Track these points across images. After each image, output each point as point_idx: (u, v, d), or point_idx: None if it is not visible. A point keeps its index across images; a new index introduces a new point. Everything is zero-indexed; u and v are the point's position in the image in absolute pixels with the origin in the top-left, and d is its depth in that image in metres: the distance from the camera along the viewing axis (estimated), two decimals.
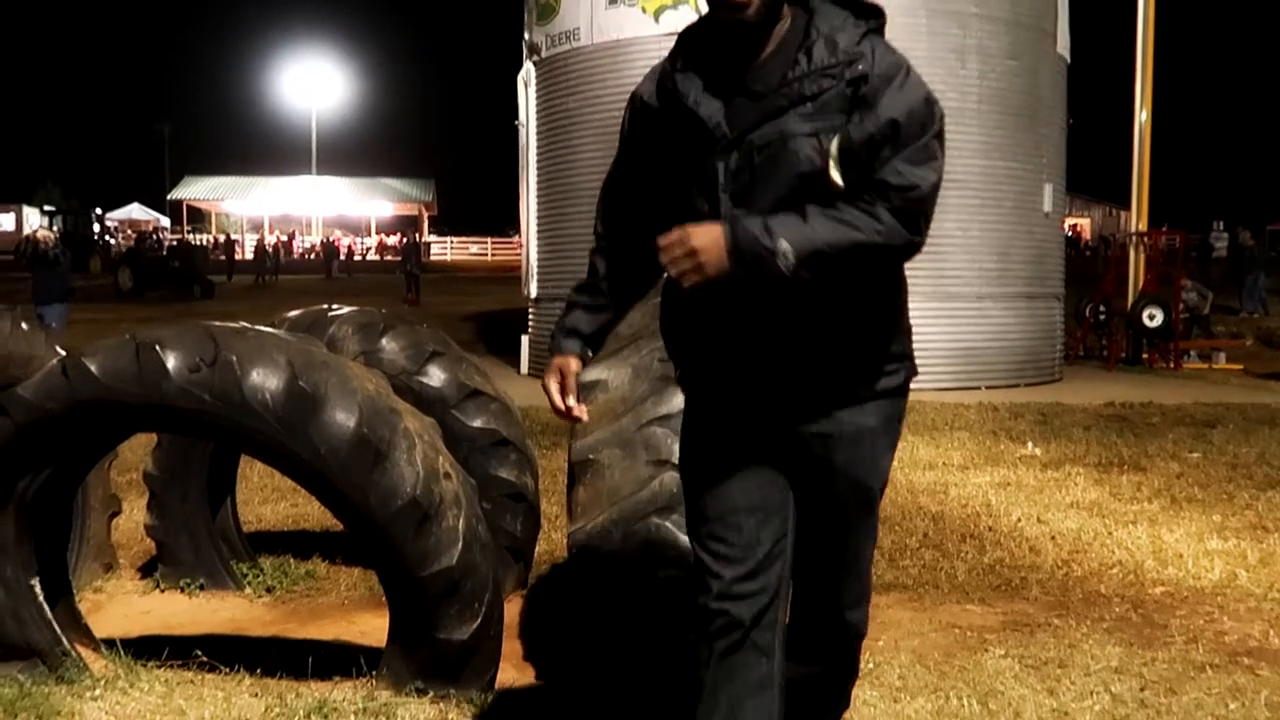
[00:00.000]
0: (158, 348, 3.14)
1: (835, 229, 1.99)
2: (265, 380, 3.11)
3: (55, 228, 13.74)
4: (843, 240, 1.99)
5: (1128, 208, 19.27)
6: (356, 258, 50.16)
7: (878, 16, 2.11)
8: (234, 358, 3.13)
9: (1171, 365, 15.93)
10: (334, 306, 4.82)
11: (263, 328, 3.51)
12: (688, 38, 2.20)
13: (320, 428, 3.08)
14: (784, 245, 1.96)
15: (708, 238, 2.00)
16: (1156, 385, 13.45)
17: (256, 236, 51.81)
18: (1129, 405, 11.23)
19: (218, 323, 3.41)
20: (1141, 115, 18.10)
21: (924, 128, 2.05)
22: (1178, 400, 11.54)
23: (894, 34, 2.18)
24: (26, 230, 52.94)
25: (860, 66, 2.01)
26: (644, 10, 12.57)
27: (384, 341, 4.59)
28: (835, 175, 2.01)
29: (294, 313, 4.89)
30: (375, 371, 3.60)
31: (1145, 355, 16.35)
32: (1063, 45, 14.20)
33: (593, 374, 3.44)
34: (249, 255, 42.65)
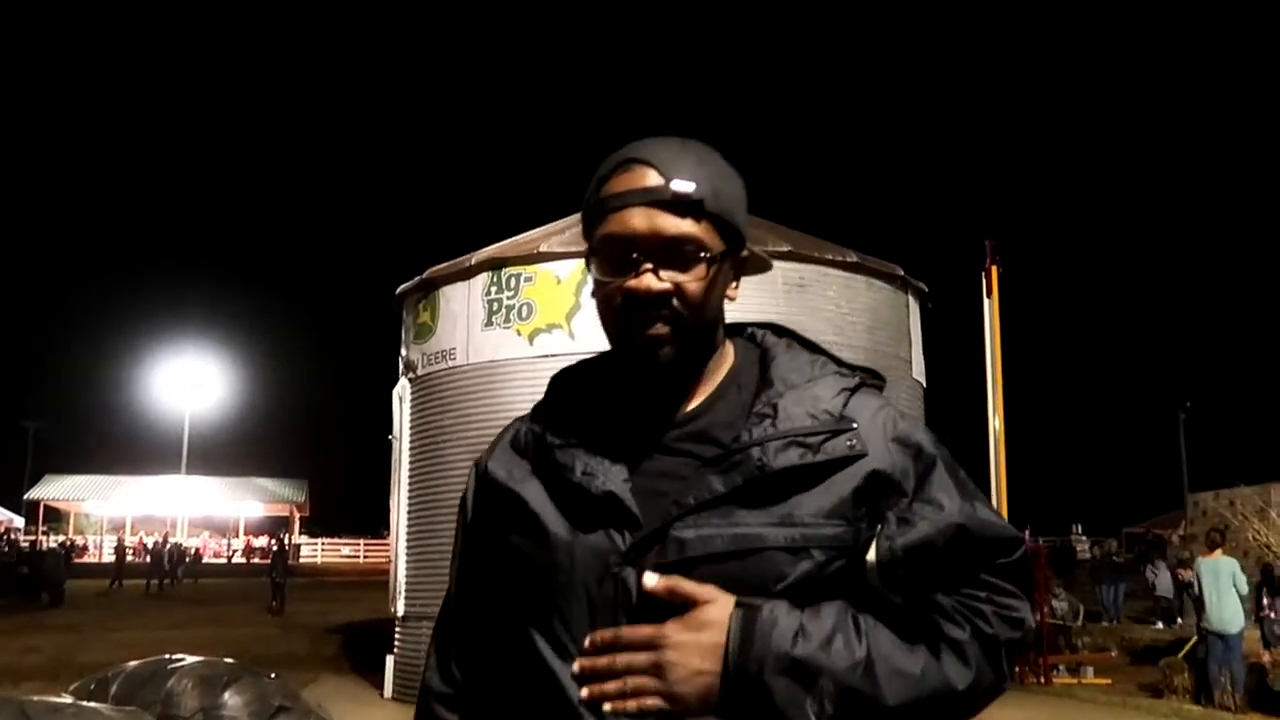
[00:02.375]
0: None
1: (905, 667, 1.34)
2: None
3: None
4: (912, 690, 1.33)
5: None
6: (218, 559, 48.38)
7: (874, 376, 1.53)
8: None
9: (1041, 680, 16.01)
10: (175, 657, 4.59)
11: (84, 704, 3.30)
12: (566, 383, 1.58)
13: None
14: (828, 684, 1.30)
15: (704, 640, 1.31)
16: (1027, 704, 13.44)
17: (115, 537, 49.84)
18: None
19: (36, 698, 3.20)
20: (995, 423, 18.97)
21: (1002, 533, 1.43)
22: None
23: None
24: None
25: (855, 440, 1.39)
26: (519, 333, 12.94)
27: (226, 696, 4.35)
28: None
29: (132, 664, 4.64)
30: None
31: (1014, 669, 16.37)
32: (918, 371, 14.99)
33: None
34: (107, 558, 40.83)
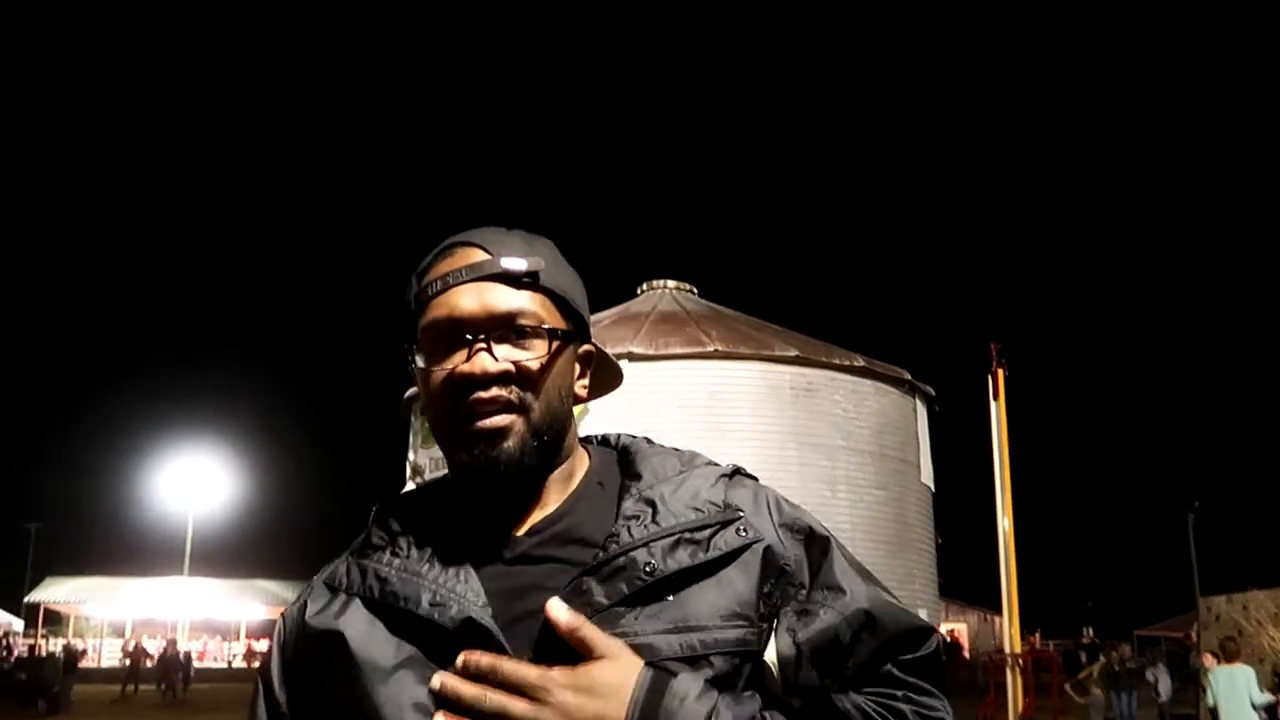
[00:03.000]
0: None
1: None
2: None
3: None
4: None
5: (1000, 613, 19.67)
6: (216, 664, 47.69)
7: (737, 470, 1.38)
8: None
9: None
10: None
11: None
12: (393, 512, 1.33)
13: None
14: None
15: (598, 709, 1.11)
16: None
17: (121, 641, 49.26)
18: None
19: None
20: (1004, 524, 18.85)
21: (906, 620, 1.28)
22: None
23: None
24: None
25: (745, 528, 1.25)
26: None
27: None
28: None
29: None
30: None
31: None
32: (926, 475, 14.97)
33: None
34: (106, 662, 40.27)
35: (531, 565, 1.23)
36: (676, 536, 1.22)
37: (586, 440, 1.42)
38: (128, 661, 38.08)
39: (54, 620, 59.24)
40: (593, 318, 1.38)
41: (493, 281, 1.25)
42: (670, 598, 1.19)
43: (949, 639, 43.57)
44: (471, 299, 1.24)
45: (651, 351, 13.10)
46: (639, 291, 16.19)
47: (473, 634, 1.16)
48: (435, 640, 1.17)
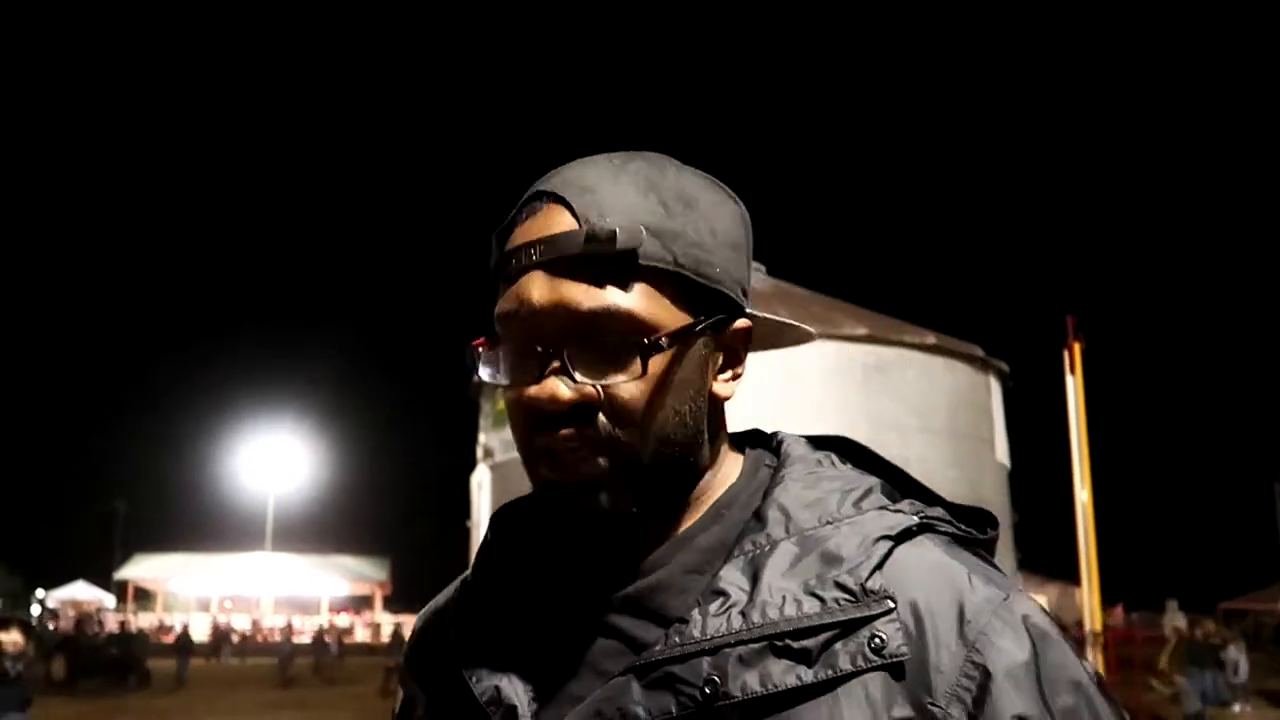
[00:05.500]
0: None
1: None
2: None
3: (15, 635, 13.31)
4: None
5: (1080, 585, 19.41)
6: (302, 639, 48.70)
7: (973, 516, 0.97)
8: None
9: None
10: None
11: None
12: (508, 524, 1.09)
13: None
14: None
15: None
16: None
17: (207, 616, 50.56)
18: None
19: None
20: (1082, 496, 18.54)
21: None
22: None
23: None
24: None
25: (885, 633, 0.84)
26: None
27: None
28: None
29: None
30: None
31: None
32: (1001, 453, 14.74)
33: None
34: (202, 637, 41.34)
35: (597, 636, 0.94)
36: (767, 640, 0.85)
37: (745, 438, 1.05)
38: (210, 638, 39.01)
39: (143, 596, 60.94)
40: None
41: (571, 269, 0.89)
42: None
43: None
44: (544, 291, 0.89)
45: None
46: None
47: (500, 709, 0.94)
48: (469, 704, 0.96)
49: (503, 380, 0.93)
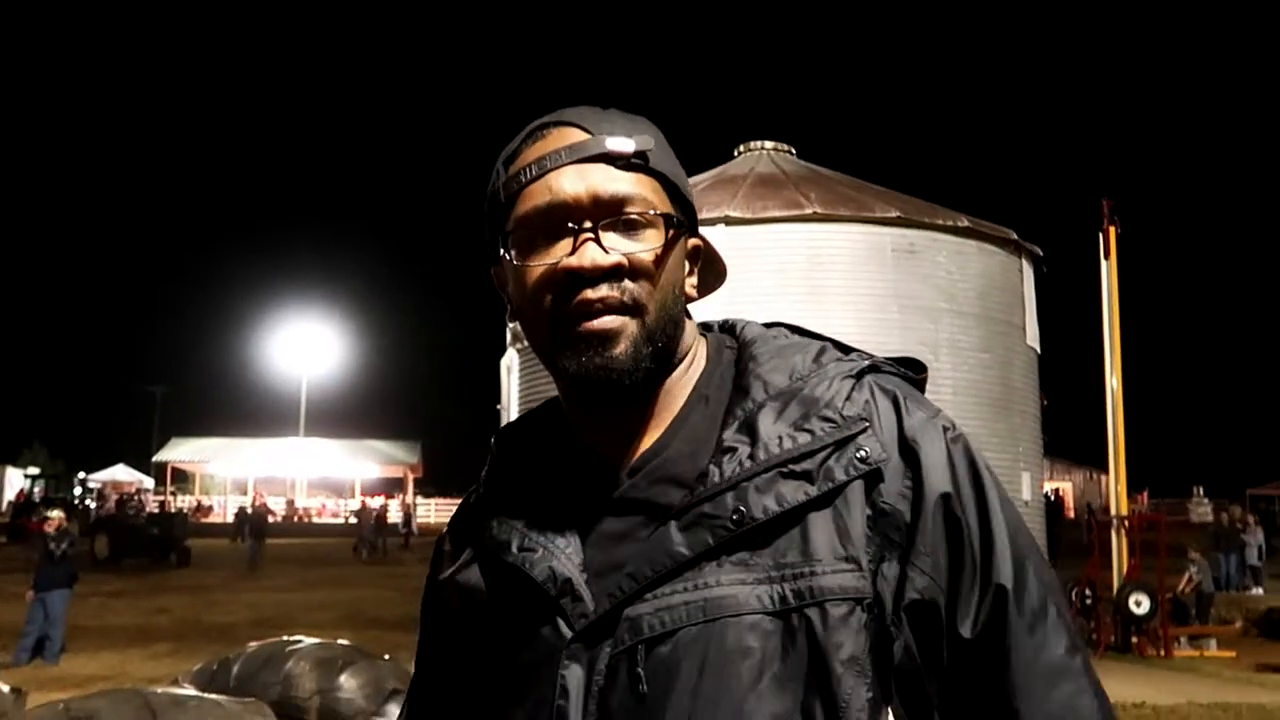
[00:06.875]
0: None
1: None
2: None
3: (59, 514, 13.78)
4: None
5: (1107, 471, 19.44)
6: (335, 519, 49.74)
7: (906, 365, 1.21)
8: None
9: (1161, 653, 15.62)
10: (293, 640, 4.73)
11: (205, 695, 3.42)
12: (511, 440, 1.26)
13: None
14: None
15: None
16: (1148, 678, 13.13)
17: (243, 498, 51.61)
18: (1121, 706, 10.92)
19: (160, 689, 3.32)
20: (1112, 383, 18.48)
21: (1037, 578, 1.08)
22: (1172, 701, 11.25)
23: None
24: (9, 493, 52.86)
25: (867, 448, 1.07)
26: None
27: (342, 679, 4.48)
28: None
29: (253, 645, 4.80)
30: None
31: (1134, 641, 16.07)
32: (1032, 337, 14.64)
33: None
34: (229, 518, 42.27)
35: (625, 510, 1.10)
36: (775, 468, 1.05)
37: (706, 327, 1.25)
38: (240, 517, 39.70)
39: (180, 478, 62.21)
40: (689, 180, 1.21)
41: (597, 163, 1.09)
42: (765, 541, 1.04)
43: (1053, 497, 43.39)
44: (575, 182, 1.08)
45: (749, 215, 12.88)
46: (736, 154, 15.84)
47: (556, 587, 1.07)
48: (524, 589, 1.10)
49: (535, 259, 1.09)
